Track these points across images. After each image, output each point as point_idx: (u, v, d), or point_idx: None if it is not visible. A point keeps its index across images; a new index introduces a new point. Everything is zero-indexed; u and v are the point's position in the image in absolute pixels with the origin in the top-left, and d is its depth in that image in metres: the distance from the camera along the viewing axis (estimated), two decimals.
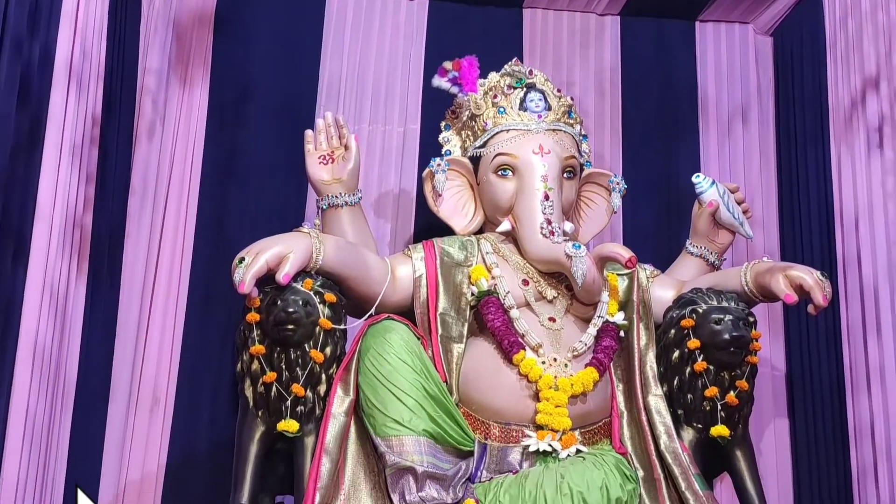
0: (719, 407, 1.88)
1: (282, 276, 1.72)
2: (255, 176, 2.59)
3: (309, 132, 2.17)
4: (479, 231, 2.18)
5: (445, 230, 2.21)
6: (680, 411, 1.93)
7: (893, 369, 2.26)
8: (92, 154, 2.12)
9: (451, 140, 2.26)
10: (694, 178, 2.22)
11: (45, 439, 1.96)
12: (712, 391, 1.87)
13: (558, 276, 2.01)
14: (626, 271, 2.08)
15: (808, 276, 1.83)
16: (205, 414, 2.39)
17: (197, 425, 2.38)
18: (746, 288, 1.95)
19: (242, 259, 1.72)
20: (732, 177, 2.83)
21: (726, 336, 1.84)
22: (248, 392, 1.79)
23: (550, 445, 1.80)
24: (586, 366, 1.89)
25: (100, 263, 2.21)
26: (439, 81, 2.22)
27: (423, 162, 2.65)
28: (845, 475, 2.36)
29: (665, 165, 2.83)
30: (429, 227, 2.45)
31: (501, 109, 2.13)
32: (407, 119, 2.75)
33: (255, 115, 2.63)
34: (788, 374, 2.64)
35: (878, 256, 2.34)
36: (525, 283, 2.00)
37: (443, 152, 2.26)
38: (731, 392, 1.88)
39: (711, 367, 1.88)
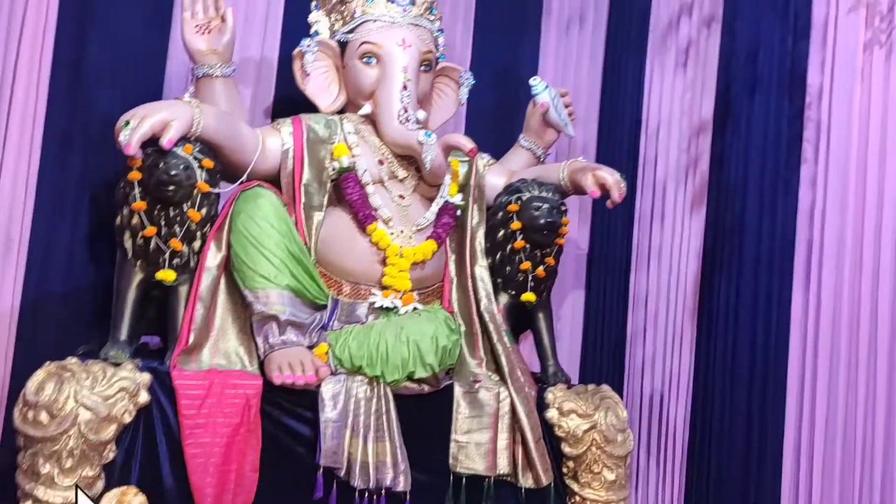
0: (530, 278, 2.28)
1: (165, 141, 1.86)
2: (116, 24, 2.57)
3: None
4: (342, 111, 2.38)
5: (305, 100, 2.37)
6: (499, 280, 2.30)
7: (668, 251, 2.71)
8: None
9: (320, 21, 2.39)
10: (531, 81, 2.51)
11: None
12: (526, 265, 2.26)
13: (409, 159, 2.27)
14: (468, 159, 2.39)
15: (610, 177, 2.22)
16: (60, 260, 2.41)
17: (51, 271, 2.39)
18: (563, 182, 2.32)
19: (128, 122, 1.85)
20: (565, 74, 3.16)
21: (542, 221, 2.20)
22: (128, 244, 1.95)
23: (393, 302, 2.14)
24: (427, 238, 2.21)
25: None
26: None
27: (287, 31, 2.75)
28: (622, 336, 2.85)
29: (509, 59, 3.07)
30: (288, 96, 2.59)
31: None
32: None
33: None
34: (590, 252, 3.08)
35: (669, 160, 2.74)
36: (380, 162, 2.25)
37: (311, 32, 2.39)
38: (541, 267, 2.28)
39: (528, 246, 2.25)
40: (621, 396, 2.74)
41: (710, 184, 2.54)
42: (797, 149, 2.21)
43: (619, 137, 2.99)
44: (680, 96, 2.75)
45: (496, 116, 3.00)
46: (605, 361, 2.91)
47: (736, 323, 2.38)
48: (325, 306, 2.13)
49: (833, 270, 2.08)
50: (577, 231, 3.07)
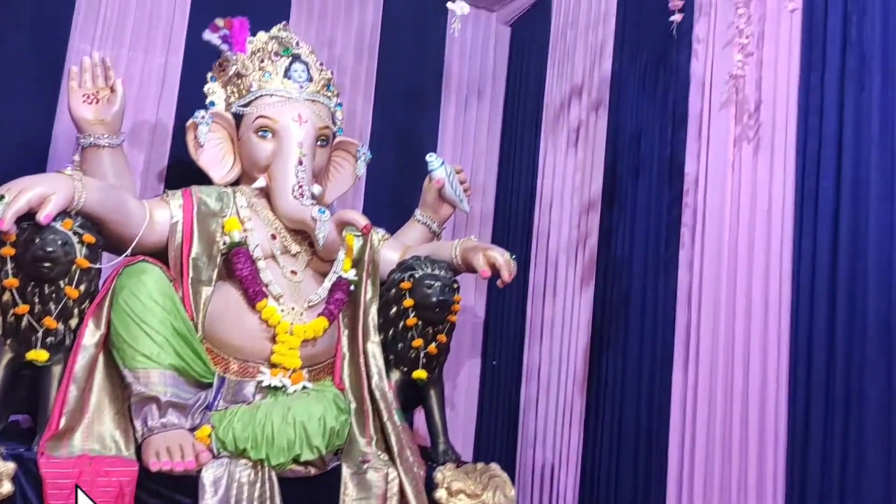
0: (422, 355, 2.29)
1: (42, 217, 1.79)
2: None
3: (74, 69, 2.19)
4: (236, 182, 2.36)
5: (198, 167, 2.35)
6: (391, 356, 2.30)
7: (560, 324, 2.78)
8: None
9: (216, 92, 2.39)
10: (428, 158, 2.55)
11: None
12: (418, 342, 2.27)
13: (303, 233, 2.27)
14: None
15: (500, 258, 2.25)
16: None
17: None
18: (455, 260, 2.35)
19: (2, 197, 1.77)
20: (464, 146, 3.25)
21: (434, 299, 2.23)
22: None
23: (281, 381, 2.10)
24: (319, 315, 2.19)
25: None
26: (210, 36, 2.33)
27: (183, 96, 2.74)
28: (516, 406, 2.88)
29: (409, 129, 3.15)
30: (183, 162, 2.56)
31: (267, 74, 2.31)
32: (169, 50, 2.78)
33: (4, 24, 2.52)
34: (486, 322, 3.16)
35: (561, 234, 2.82)
36: (273, 237, 2.24)
37: (207, 103, 2.38)
38: (433, 344, 2.29)
39: (420, 323, 2.26)
40: (514, 468, 2.80)
41: (599, 260, 2.63)
42: (676, 232, 2.31)
43: (514, 210, 3.08)
44: (571, 174, 2.84)
45: (395, 187, 3.05)
46: (499, 431, 2.95)
47: (622, 397, 2.44)
48: (210, 385, 2.07)
49: (709, 350, 2.17)
50: (473, 300, 3.12)
